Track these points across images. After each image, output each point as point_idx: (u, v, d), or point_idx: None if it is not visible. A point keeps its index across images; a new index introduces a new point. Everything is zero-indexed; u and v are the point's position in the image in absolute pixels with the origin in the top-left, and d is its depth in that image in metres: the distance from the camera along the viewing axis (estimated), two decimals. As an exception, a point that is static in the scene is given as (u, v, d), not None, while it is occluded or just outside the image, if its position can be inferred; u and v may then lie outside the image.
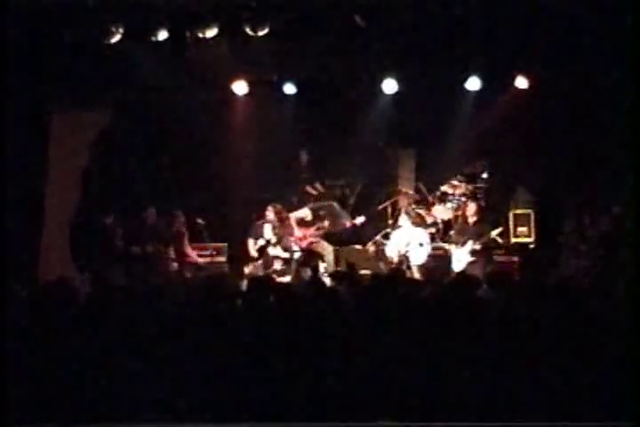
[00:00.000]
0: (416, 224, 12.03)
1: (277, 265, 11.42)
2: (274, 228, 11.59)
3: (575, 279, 8.66)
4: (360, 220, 12.11)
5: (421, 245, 11.54)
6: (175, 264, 11.73)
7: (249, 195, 12.97)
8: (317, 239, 11.94)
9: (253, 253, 11.59)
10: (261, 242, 11.58)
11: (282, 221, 11.75)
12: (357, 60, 11.76)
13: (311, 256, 11.58)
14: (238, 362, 5.36)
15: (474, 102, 12.51)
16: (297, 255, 11.63)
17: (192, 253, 11.92)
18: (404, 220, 11.86)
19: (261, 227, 11.61)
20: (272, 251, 11.47)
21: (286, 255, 11.47)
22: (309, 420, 5.07)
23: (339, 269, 11.25)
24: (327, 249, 11.99)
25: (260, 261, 11.55)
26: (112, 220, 11.59)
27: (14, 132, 8.56)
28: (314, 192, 12.58)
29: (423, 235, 11.80)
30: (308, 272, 11.37)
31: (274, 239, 11.51)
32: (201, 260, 12.07)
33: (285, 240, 11.57)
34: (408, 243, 11.59)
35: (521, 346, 5.37)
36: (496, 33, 10.58)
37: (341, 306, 6.07)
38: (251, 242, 11.58)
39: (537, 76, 11.83)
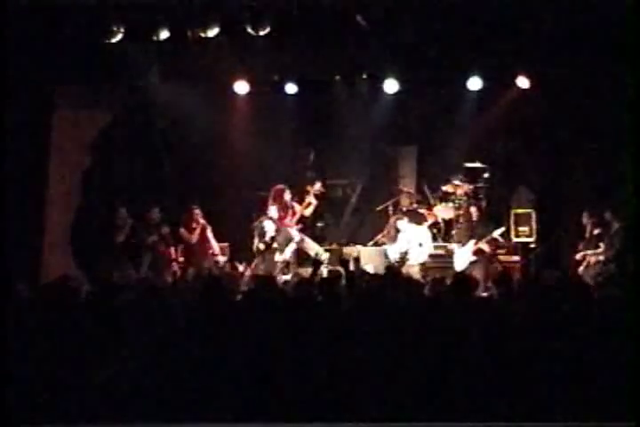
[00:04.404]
0: (416, 223, 12.02)
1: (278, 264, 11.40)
2: (274, 226, 11.56)
3: (575, 278, 8.64)
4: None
5: (421, 245, 11.53)
6: (175, 264, 11.78)
7: (250, 194, 12.97)
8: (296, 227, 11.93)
9: (258, 250, 11.55)
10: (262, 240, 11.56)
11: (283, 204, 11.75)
12: (358, 60, 11.77)
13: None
14: (239, 362, 5.36)
15: (475, 102, 12.50)
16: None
17: (216, 247, 11.96)
18: (402, 223, 11.82)
19: (261, 225, 11.60)
20: (262, 246, 11.43)
21: (287, 257, 11.43)
22: (310, 420, 5.07)
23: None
24: (318, 249, 11.94)
25: (261, 260, 11.53)
26: (114, 219, 11.60)
27: (14, 133, 8.58)
28: (315, 191, 12.55)
29: (424, 234, 11.77)
30: (307, 271, 11.38)
31: (273, 234, 11.47)
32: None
33: (285, 235, 11.54)
34: (409, 241, 11.58)
35: (521, 346, 5.37)
36: (497, 32, 10.57)
37: (341, 305, 6.08)
38: (255, 241, 11.57)
39: (538, 76, 11.82)
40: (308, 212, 12.14)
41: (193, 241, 11.85)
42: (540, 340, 5.39)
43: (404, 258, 11.41)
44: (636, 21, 7.17)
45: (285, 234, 11.52)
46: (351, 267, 8.30)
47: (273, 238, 11.44)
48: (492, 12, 10.20)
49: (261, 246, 11.47)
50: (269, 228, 11.47)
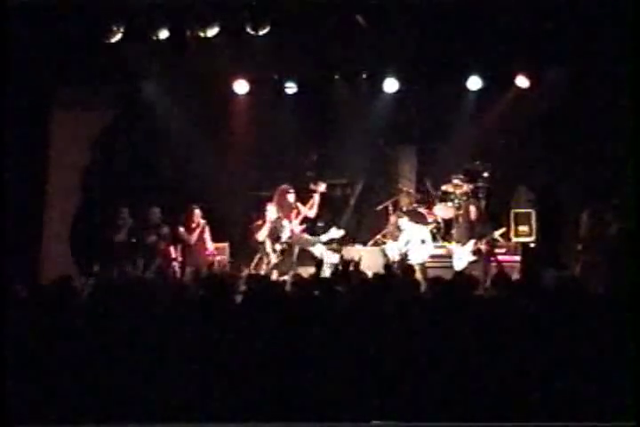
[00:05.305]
0: (416, 222, 12.02)
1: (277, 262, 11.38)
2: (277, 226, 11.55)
3: (576, 278, 8.63)
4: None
5: (423, 242, 11.51)
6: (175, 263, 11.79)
7: (250, 194, 12.96)
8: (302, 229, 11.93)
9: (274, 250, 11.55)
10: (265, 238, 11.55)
11: (285, 206, 11.74)
12: (358, 60, 11.77)
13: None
14: (239, 362, 5.35)
15: (475, 101, 12.51)
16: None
17: (211, 247, 11.97)
18: (404, 221, 11.82)
19: (279, 225, 11.58)
20: (279, 247, 11.42)
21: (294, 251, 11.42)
22: (309, 420, 5.07)
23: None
24: (322, 250, 11.92)
25: (261, 260, 11.52)
26: (114, 218, 11.60)
27: (14, 132, 8.58)
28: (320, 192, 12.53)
29: (424, 232, 11.76)
30: (307, 270, 11.37)
31: (279, 233, 11.47)
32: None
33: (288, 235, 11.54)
34: (408, 241, 11.56)
35: (521, 346, 5.36)
36: (497, 32, 10.59)
37: (340, 305, 6.08)
38: (261, 236, 11.57)
39: (538, 76, 11.83)
40: (313, 213, 12.11)
41: (192, 241, 11.84)
42: (539, 340, 5.38)
43: (403, 258, 11.40)
44: (635, 21, 7.18)
45: (298, 240, 11.47)
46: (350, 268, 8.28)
47: (279, 239, 11.39)
48: (492, 11, 10.20)
49: (277, 247, 11.42)
50: (286, 228, 11.44)
